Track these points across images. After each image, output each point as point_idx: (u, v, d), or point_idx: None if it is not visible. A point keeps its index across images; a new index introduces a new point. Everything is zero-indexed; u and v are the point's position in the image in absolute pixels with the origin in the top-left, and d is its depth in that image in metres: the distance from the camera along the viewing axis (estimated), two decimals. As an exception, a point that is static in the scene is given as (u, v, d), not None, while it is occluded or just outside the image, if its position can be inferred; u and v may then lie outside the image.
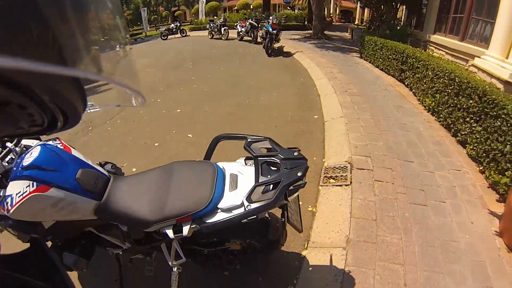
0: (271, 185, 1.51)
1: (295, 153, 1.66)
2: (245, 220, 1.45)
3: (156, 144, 4.73)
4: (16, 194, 1.32)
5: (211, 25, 16.74)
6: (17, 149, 1.54)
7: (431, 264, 2.27)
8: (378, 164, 3.47)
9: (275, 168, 1.62)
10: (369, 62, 8.85)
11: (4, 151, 1.54)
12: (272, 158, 1.64)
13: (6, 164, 1.54)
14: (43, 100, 0.29)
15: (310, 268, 2.30)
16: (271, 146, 1.74)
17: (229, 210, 1.50)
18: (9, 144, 1.54)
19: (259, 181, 1.53)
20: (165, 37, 20.58)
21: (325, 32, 15.38)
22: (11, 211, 1.33)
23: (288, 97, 6.20)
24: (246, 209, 1.45)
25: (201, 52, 12.44)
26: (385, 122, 4.63)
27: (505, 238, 2.50)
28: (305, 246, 2.51)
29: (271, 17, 11.26)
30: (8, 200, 1.34)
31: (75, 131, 6.71)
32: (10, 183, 1.36)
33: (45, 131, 0.38)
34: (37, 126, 0.36)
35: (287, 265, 2.35)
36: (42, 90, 0.28)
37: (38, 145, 1.47)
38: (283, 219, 1.69)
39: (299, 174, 1.52)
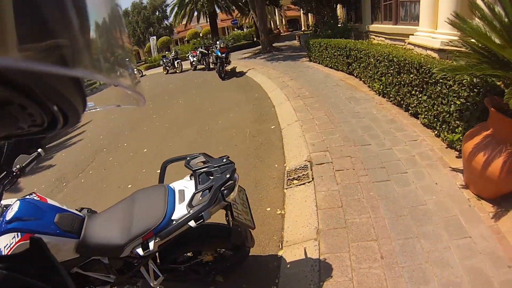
0: (207, 190, 1.71)
1: (224, 160, 1.90)
2: (194, 224, 1.64)
3: (129, 185, 4.87)
4: (4, 247, 1.46)
5: (164, 60, 16.80)
6: None
7: (404, 232, 2.31)
8: (337, 155, 3.54)
9: (212, 177, 1.80)
10: (318, 63, 9.13)
11: None
12: (207, 168, 1.87)
13: None
14: (44, 100, 0.29)
15: (288, 265, 2.33)
16: (205, 159, 1.97)
17: (180, 219, 1.68)
18: None
19: (197, 189, 1.74)
20: (122, 81, 20.50)
21: (274, 44, 15.81)
22: None
23: (245, 114, 6.28)
24: (189, 213, 1.65)
25: (158, 89, 12.52)
26: (338, 116, 4.76)
27: (471, 187, 2.59)
28: (280, 247, 2.53)
29: (218, 42, 11.46)
30: None
31: (50, 189, 6.65)
32: None
33: (45, 131, 0.38)
34: (37, 126, 0.36)
35: (266, 267, 2.40)
36: (42, 90, 0.28)
37: (17, 200, 1.64)
38: (227, 218, 1.83)
39: (228, 176, 1.74)
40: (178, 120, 7.27)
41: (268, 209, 3.00)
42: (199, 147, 5.20)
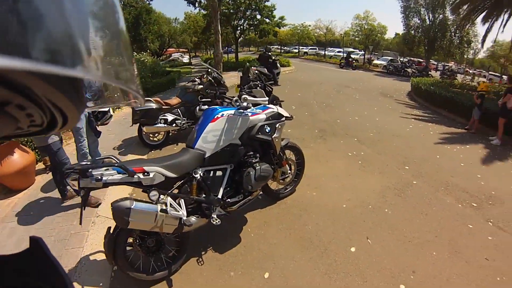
0: None
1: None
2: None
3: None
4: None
5: None
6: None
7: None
8: None
9: None
10: None
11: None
12: None
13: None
14: (42, 100, 0.29)
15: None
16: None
17: None
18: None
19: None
20: None
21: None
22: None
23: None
24: None
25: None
26: None
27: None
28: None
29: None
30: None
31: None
32: None
33: (44, 131, 0.37)
34: (36, 126, 0.36)
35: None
36: (41, 90, 0.27)
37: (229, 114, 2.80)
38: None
39: None
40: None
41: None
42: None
